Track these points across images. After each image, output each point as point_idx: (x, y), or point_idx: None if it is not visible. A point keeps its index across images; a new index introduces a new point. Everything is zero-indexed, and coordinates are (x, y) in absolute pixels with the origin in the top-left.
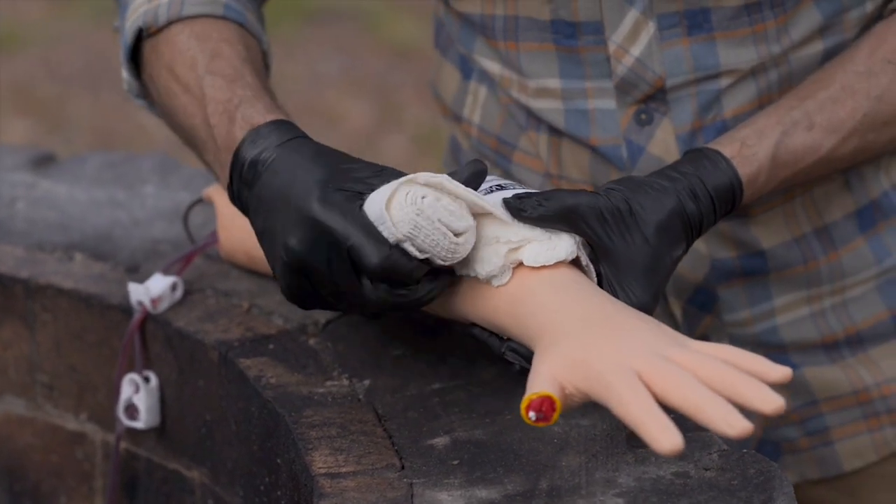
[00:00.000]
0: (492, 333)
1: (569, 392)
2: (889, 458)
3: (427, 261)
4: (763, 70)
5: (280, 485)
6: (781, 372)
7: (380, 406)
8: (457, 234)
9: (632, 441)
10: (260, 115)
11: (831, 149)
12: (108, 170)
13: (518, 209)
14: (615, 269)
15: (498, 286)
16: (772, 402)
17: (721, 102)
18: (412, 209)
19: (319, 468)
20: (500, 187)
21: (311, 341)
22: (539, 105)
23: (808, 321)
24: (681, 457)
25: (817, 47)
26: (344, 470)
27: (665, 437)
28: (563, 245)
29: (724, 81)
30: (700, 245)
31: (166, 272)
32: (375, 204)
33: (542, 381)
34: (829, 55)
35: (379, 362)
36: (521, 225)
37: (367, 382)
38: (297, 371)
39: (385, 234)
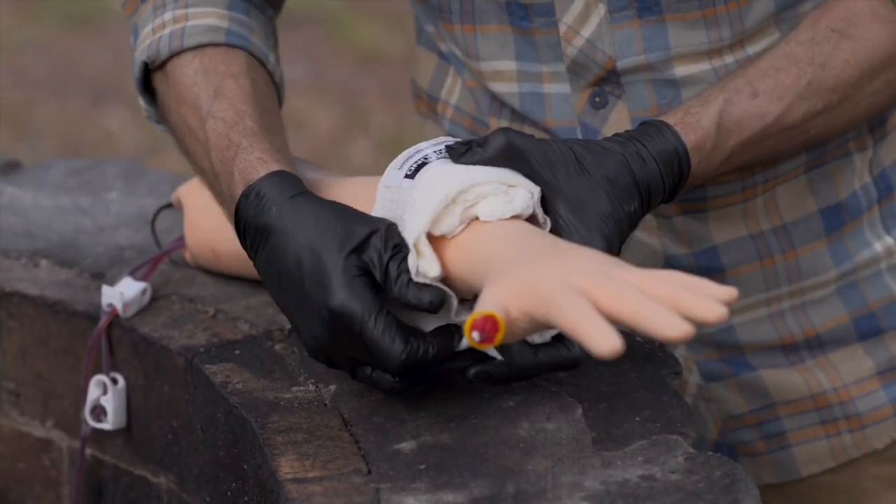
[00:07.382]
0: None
1: (514, 316)
2: (847, 466)
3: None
4: (721, 61)
5: (247, 490)
6: (727, 291)
7: (346, 411)
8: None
9: (598, 444)
10: (255, 168)
11: (778, 115)
12: (74, 176)
13: (461, 154)
14: (570, 210)
15: (451, 237)
16: (715, 310)
17: (679, 92)
18: None
19: (286, 473)
20: (425, 160)
21: (277, 347)
22: (496, 88)
23: (765, 322)
24: (621, 357)
25: (774, 39)
26: (310, 475)
27: (604, 340)
28: (520, 199)
29: (680, 70)
30: (653, 240)
31: (133, 276)
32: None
33: (486, 304)
34: None
35: None
36: (477, 178)
37: (332, 387)
38: (264, 376)
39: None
